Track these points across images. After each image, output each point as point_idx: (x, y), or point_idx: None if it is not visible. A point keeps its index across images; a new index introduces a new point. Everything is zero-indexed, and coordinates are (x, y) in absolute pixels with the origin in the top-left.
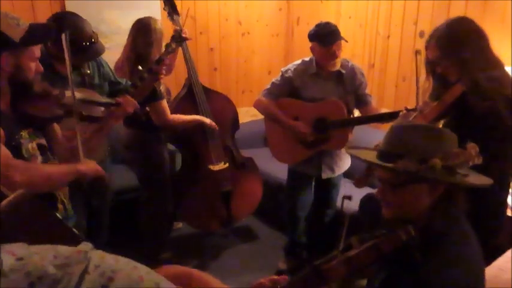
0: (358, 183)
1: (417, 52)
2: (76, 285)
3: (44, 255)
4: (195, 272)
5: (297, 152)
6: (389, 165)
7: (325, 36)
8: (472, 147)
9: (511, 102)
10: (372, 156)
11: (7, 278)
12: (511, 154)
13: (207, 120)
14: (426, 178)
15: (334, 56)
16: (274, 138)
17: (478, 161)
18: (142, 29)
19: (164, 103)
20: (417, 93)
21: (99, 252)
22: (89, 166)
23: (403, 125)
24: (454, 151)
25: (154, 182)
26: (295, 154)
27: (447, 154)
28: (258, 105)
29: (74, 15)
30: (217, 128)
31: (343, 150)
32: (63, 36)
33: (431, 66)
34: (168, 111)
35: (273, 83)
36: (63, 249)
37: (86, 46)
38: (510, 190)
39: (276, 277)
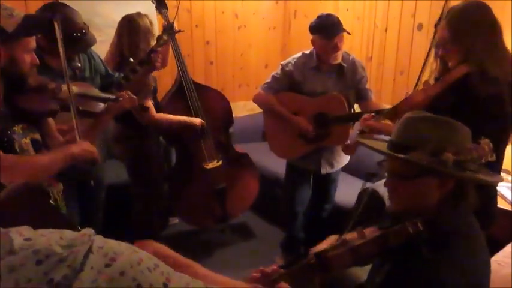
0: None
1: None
2: (81, 264)
3: (51, 237)
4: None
5: (297, 147)
6: (401, 155)
7: (327, 29)
8: (486, 144)
9: None
10: (382, 147)
11: (17, 255)
12: (506, 142)
13: (197, 121)
14: (437, 171)
15: (336, 49)
16: (273, 132)
17: (491, 158)
18: (127, 27)
19: (149, 101)
20: (424, 65)
21: (101, 236)
22: (83, 147)
23: (416, 115)
24: (468, 146)
25: (143, 176)
26: (295, 149)
27: (460, 149)
28: (257, 99)
29: (64, 6)
30: (205, 126)
31: None
32: (55, 23)
33: (439, 48)
34: (153, 109)
35: (272, 76)
36: (68, 233)
37: (76, 37)
38: (510, 185)
39: (266, 269)
